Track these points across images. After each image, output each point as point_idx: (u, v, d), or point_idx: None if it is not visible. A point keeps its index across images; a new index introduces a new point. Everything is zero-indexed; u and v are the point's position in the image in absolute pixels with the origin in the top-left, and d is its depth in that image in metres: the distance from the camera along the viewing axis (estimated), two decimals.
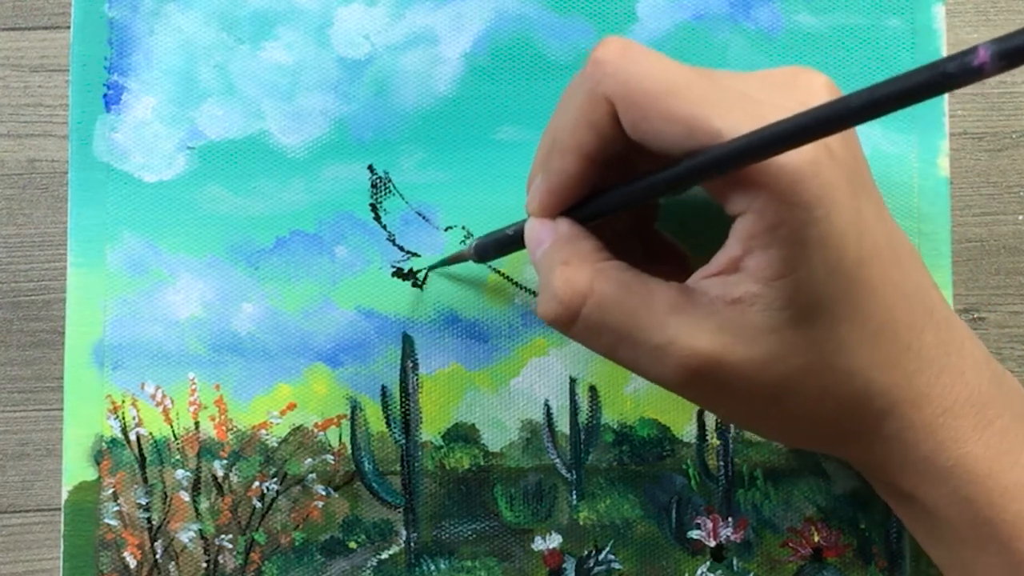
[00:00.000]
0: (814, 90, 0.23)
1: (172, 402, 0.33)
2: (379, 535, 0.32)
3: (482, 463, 0.33)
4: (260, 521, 0.33)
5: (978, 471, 0.24)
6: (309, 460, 0.33)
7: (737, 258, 0.23)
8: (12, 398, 0.33)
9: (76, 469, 0.32)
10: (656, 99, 0.22)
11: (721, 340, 0.23)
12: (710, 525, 0.32)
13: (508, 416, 0.33)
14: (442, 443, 0.33)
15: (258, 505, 0.33)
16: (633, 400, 0.33)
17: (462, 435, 0.33)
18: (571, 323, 0.24)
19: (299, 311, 0.33)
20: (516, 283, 0.33)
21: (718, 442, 0.32)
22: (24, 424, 0.33)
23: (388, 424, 0.33)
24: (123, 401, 0.33)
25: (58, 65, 0.34)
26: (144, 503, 0.32)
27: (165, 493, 0.33)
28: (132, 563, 0.32)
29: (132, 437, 0.33)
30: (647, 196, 0.24)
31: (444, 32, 0.33)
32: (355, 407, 0.33)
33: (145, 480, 0.33)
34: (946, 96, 0.33)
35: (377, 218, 0.33)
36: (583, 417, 0.33)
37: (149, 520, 0.32)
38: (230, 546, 0.32)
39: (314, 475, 0.33)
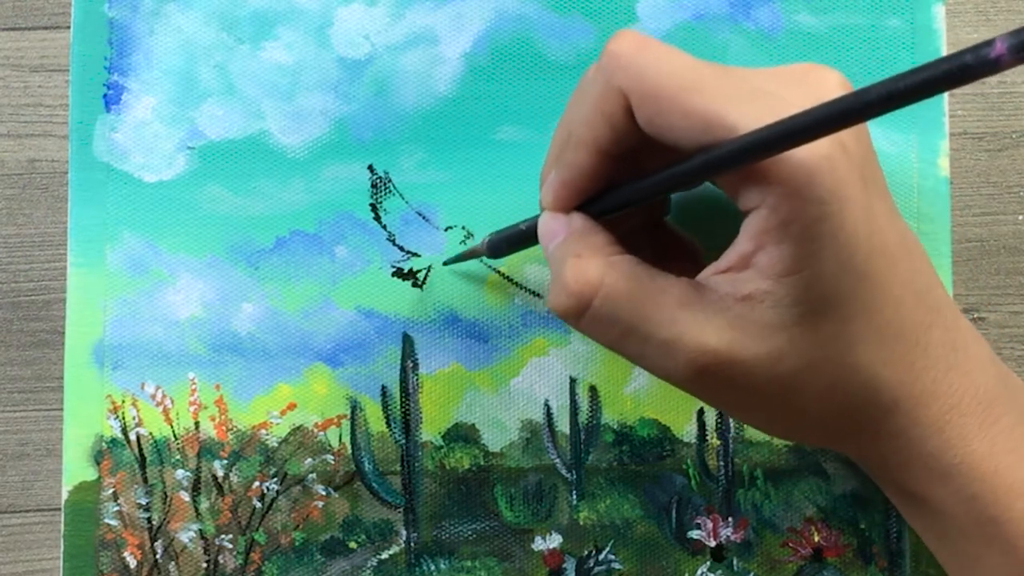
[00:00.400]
0: (828, 86, 0.23)
1: (172, 402, 0.33)
2: (379, 535, 0.32)
3: (482, 463, 0.33)
4: (260, 521, 0.33)
5: (984, 469, 0.24)
6: (309, 460, 0.33)
7: (748, 254, 0.23)
8: (12, 398, 0.33)
9: (76, 469, 0.32)
10: (671, 93, 0.22)
11: (730, 336, 0.23)
12: (710, 525, 0.32)
13: (508, 416, 0.33)
14: (442, 443, 0.33)
15: (258, 505, 0.33)
16: (633, 400, 0.33)
17: (462, 435, 0.33)
18: (581, 315, 0.24)
19: (299, 311, 0.33)
20: (516, 283, 0.33)
21: (718, 442, 0.32)
22: (24, 424, 0.33)
23: (388, 424, 0.33)
24: (123, 401, 0.33)
25: (58, 65, 0.34)
26: (144, 503, 0.32)
27: (165, 493, 0.33)
28: (132, 563, 0.32)
29: (132, 437, 0.33)
30: (662, 191, 0.23)
31: (444, 32, 0.33)
32: (355, 407, 0.33)
33: (145, 480, 0.33)
34: (946, 96, 0.33)
35: (377, 218, 0.33)
36: (583, 417, 0.33)
37: (149, 520, 0.32)
38: (230, 546, 0.32)
39: (314, 475, 0.33)
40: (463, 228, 0.33)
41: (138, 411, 0.33)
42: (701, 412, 0.33)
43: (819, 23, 0.33)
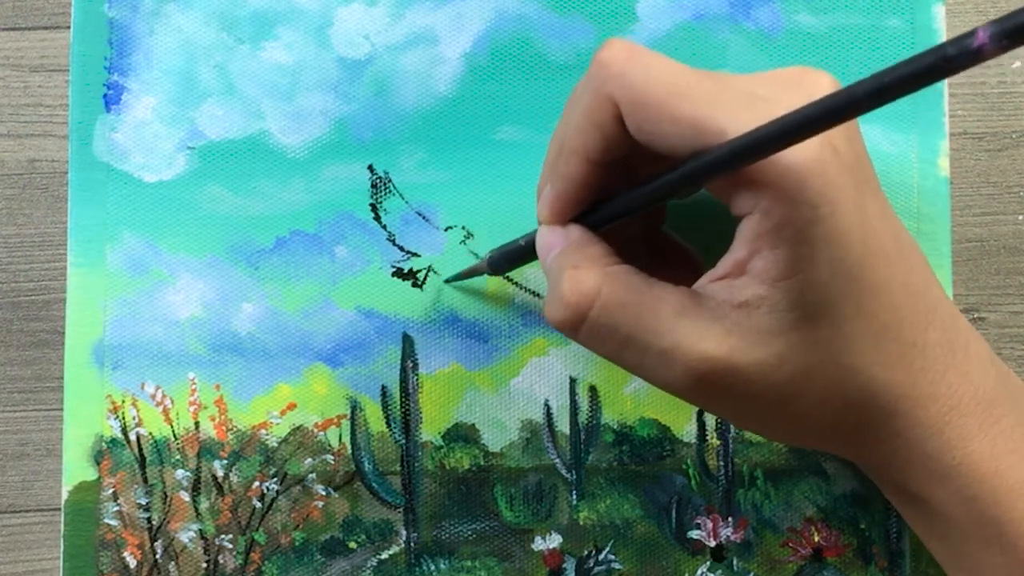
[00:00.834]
0: (821, 89, 0.23)
1: (172, 402, 0.33)
2: (379, 535, 0.32)
3: (482, 463, 0.33)
4: (260, 521, 0.33)
5: (984, 469, 0.24)
6: (309, 460, 0.33)
7: (743, 260, 0.23)
8: (12, 398, 0.33)
9: (76, 469, 0.32)
10: (661, 100, 0.22)
11: (728, 344, 0.23)
12: (710, 525, 0.32)
13: (508, 416, 0.33)
14: (442, 443, 0.33)
15: (258, 505, 0.33)
16: (633, 400, 0.33)
17: (462, 435, 0.33)
18: (578, 327, 0.24)
19: (299, 311, 0.33)
20: (516, 283, 0.33)
21: (718, 442, 0.32)
22: (24, 424, 0.33)
23: (388, 424, 0.33)
24: (123, 401, 0.33)
25: (58, 65, 0.34)
26: (144, 503, 0.33)
27: (165, 493, 0.33)
28: (132, 563, 0.32)
29: (132, 437, 0.33)
30: (656, 199, 0.23)
31: (444, 32, 0.33)
32: (355, 407, 0.33)
33: (145, 480, 0.33)
34: (946, 96, 0.33)
35: (377, 218, 0.33)
36: (583, 417, 0.33)
37: (149, 520, 0.32)
38: (230, 546, 0.32)
39: (314, 475, 0.33)
40: (463, 228, 0.33)
41: (138, 411, 0.33)
42: (701, 412, 0.33)
43: (819, 23, 0.33)
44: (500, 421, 0.33)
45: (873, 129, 0.32)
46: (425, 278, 0.33)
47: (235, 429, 0.33)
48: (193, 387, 0.33)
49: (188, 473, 0.33)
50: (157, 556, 0.32)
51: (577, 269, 0.24)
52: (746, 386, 0.23)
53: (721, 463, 0.32)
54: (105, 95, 0.33)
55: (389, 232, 0.33)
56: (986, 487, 0.24)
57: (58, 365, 0.33)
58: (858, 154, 0.23)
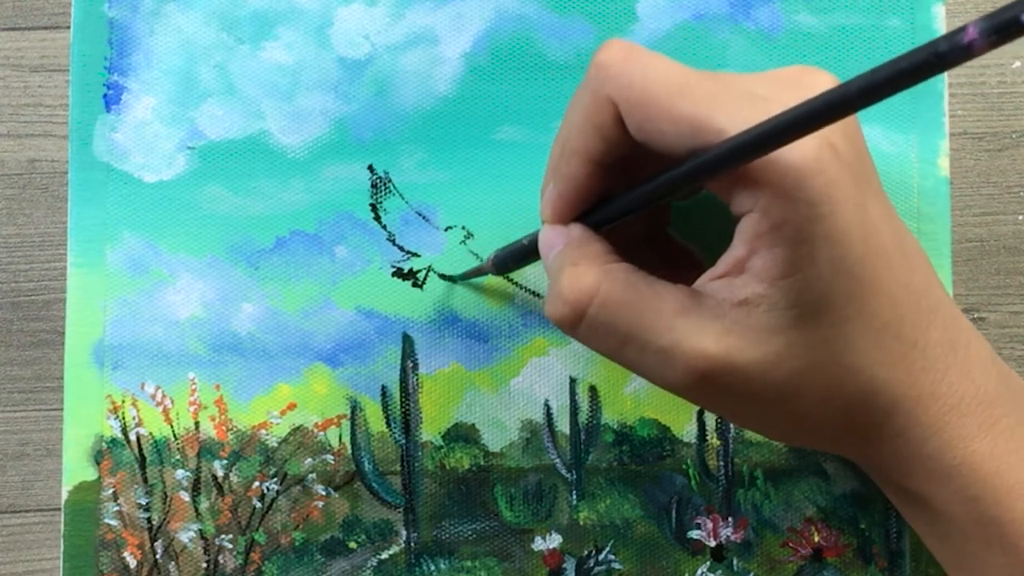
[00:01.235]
0: (820, 88, 0.23)
1: (172, 402, 0.33)
2: (379, 535, 0.32)
3: (482, 463, 0.33)
4: (260, 521, 0.33)
5: (985, 469, 0.24)
6: (309, 460, 0.33)
7: (743, 259, 0.23)
8: (12, 398, 0.33)
9: (76, 469, 0.32)
10: (660, 99, 0.22)
11: (728, 342, 0.23)
12: (710, 525, 0.32)
13: (508, 416, 0.33)
14: (442, 443, 0.33)
15: (258, 505, 0.33)
16: (633, 400, 0.33)
17: (462, 435, 0.33)
18: (577, 324, 0.24)
19: (299, 311, 0.33)
20: (516, 283, 0.33)
21: (718, 442, 0.32)
22: (24, 424, 0.33)
23: (388, 424, 0.33)
24: (123, 401, 0.33)
25: (58, 65, 0.34)
26: (144, 503, 0.33)
27: (165, 493, 0.33)
28: (132, 563, 0.32)
29: (132, 437, 0.33)
30: (656, 198, 0.23)
31: (444, 32, 0.33)
32: (355, 407, 0.33)
33: (145, 480, 0.33)
34: (946, 96, 0.33)
35: (377, 218, 0.33)
36: (583, 417, 0.33)
37: (149, 520, 0.32)
38: (230, 546, 0.32)
39: (314, 475, 0.33)
40: (463, 228, 0.33)
41: (138, 411, 0.33)
42: (701, 412, 0.33)
43: (819, 23, 0.33)
44: (500, 421, 0.33)
45: (873, 129, 0.32)
46: (425, 278, 0.33)
47: (235, 429, 0.33)
48: (193, 387, 0.33)
49: (188, 473, 0.33)
50: (157, 556, 0.32)
51: (577, 266, 0.24)
52: (745, 384, 0.23)
53: (721, 463, 0.32)
54: (105, 95, 0.33)
55: (389, 232, 0.33)
56: (987, 487, 0.24)
57: (58, 365, 0.33)
58: (858, 153, 0.23)
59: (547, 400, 0.33)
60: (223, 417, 0.33)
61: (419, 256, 0.33)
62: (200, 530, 0.32)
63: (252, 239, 0.33)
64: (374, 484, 0.32)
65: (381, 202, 0.33)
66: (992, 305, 0.33)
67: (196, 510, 0.32)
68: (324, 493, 0.33)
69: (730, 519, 0.32)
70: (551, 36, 0.33)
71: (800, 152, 0.21)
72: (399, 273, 0.33)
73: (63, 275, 0.33)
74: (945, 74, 0.33)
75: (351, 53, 0.33)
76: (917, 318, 0.24)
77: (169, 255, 0.33)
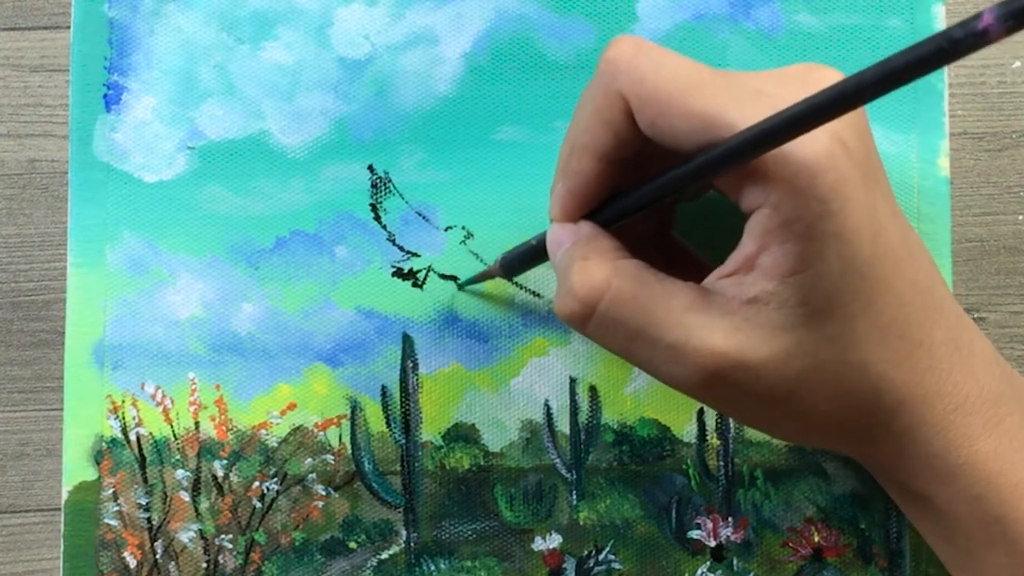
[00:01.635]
0: (828, 84, 0.23)
1: (172, 402, 0.33)
2: (379, 535, 0.32)
3: (482, 463, 0.33)
4: (260, 521, 0.33)
5: (989, 469, 0.24)
6: (309, 460, 0.33)
7: (752, 256, 0.23)
8: (12, 398, 0.33)
9: (76, 469, 0.32)
10: (671, 95, 0.22)
11: (737, 339, 0.23)
12: (710, 525, 0.32)
13: (508, 416, 0.33)
14: (442, 443, 0.33)
15: (258, 505, 0.33)
16: (633, 400, 0.33)
17: (462, 435, 0.33)
18: (587, 319, 0.24)
19: (299, 311, 0.33)
20: (516, 283, 0.33)
21: (718, 442, 0.32)
22: (24, 424, 0.33)
23: (388, 424, 0.33)
24: (123, 401, 0.33)
25: (58, 65, 0.34)
26: (144, 503, 0.33)
27: (165, 493, 0.33)
28: (132, 563, 0.32)
29: (132, 437, 0.33)
30: (666, 193, 0.23)
31: (444, 32, 0.33)
32: (355, 407, 0.33)
33: (145, 480, 0.33)
34: (946, 96, 0.33)
35: (377, 218, 0.33)
36: (583, 417, 0.33)
37: (149, 520, 0.32)
38: (230, 546, 0.32)
39: (314, 475, 0.33)
40: (463, 228, 0.33)
41: (138, 411, 0.33)
42: (701, 412, 0.33)
43: (819, 23, 0.33)
44: (500, 421, 0.33)
45: (873, 129, 0.32)
46: (425, 278, 0.33)
47: (235, 429, 0.33)
48: (193, 387, 0.33)
49: (188, 473, 0.33)
50: (157, 556, 0.32)
51: (587, 261, 0.24)
52: (754, 382, 0.23)
53: (721, 463, 0.32)
54: (105, 95, 0.33)
55: (389, 232, 0.33)
56: (991, 486, 0.24)
57: (58, 365, 0.33)
58: (868, 152, 0.23)
59: (547, 400, 0.33)
60: (223, 417, 0.33)
61: (419, 256, 0.33)
62: (200, 530, 0.32)
63: (252, 239, 0.33)
64: (374, 484, 0.32)
65: (381, 202, 0.33)
66: (992, 305, 0.33)
67: (196, 510, 0.32)
68: (324, 493, 0.33)
69: (730, 519, 0.32)
70: (551, 36, 0.33)
71: (812, 148, 0.21)
72: (399, 273, 0.33)
73: (63, 275, 0.33)
74: (945, 74, 0.33)
75: (351, 53, 0.33)
76: (923, 317, 0.24)
77: (169, 255, 0.33)
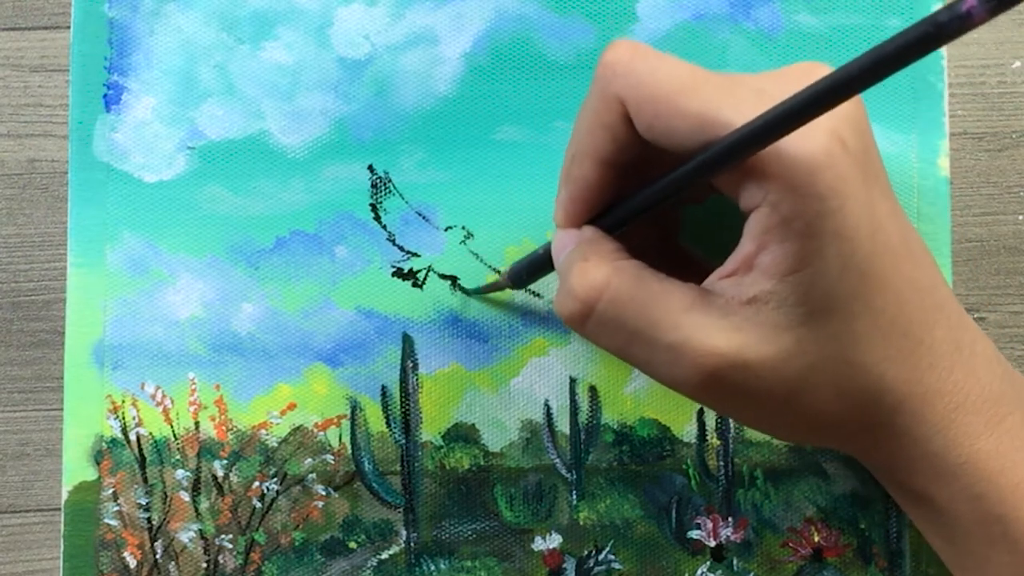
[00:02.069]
0: None
1: (172, 402, 0.33)
2: (379, 535, 0.32)
3: (482, 463, 0.33)
4: (260, 521, 0.33)
5: (989, 468, 0.24)
6: (309, 460, 0.33)
7: (751, 255, 0.23)
8: (12, 398, 0.33)
9: (76, 469, 0.32)
10: (668, 96, 0.22)
11: (737, 340, 0.23)
12: (710, 525, 0.32)
13: (508, 416, 0.33)
14: (442, 443, 0.33)
15: (258, 505, 0.33)
16: (633, 400, 0.33)
17: (462, 435, 0.33)
18: (586, 319, 0.24)
19: (299, 311, 0.33)
20: None
21: (718, 442, 0.32)
22: (24, 424, 0.33)
23: (388, 424, 0.33)
24: (123, 401, 0.33)
25: (58, 65, 0.34)
26: (144, 503, 0.33)
27: (165, 493, 0.33)
28: (132, 563, 0.32)
29: (132, 437, 0.33)
30: (667, 195, 0.23)
31: (444, 32, 0.33)
32: (355, 407, 0.33)
33: (145, 480, 0.33)
34: (946, 96, 0.33)
35: (377, 218, 0.33)
36: (583, 417, 0.33)
37: (149, 520, 0.32)
38: (230, 546, 0.32)
39: (314, 475, 0.33)
40: (463, 228, 0.33)
41: (138, 411, 0.33)
42: (701, 412, 0.33)
43: (819, 23, 0.33)
44: (500, 421, 0.33)
45: (873, 129, 0.32)
46: (425, 278, 0.33)
47: (235, 429, 0.33)
48: (193, 387, 0.33)
49: (188, 473, 0.33)
50: (157, 556, 0.32)
51: (587, 261, 0.24)
52: (754, 382, 0.23)
53: (721, 463, 0.32)
54: (105, 95, 0.33)
55: (389, 232, 0.33)
56: (992, 485, 0.24)
57: (58, 365, 0.33)
58: (867, 150, 0.23)
59: (547, 400, 0.33)
60: (223, 417, 0.33)
61: (419, 256, 0.33)
62: (200, 530, 0.32)
63: (252, 239, 0.33)
64: (374, 484, 0.32)
65: (381, 202, 0.33)
66: (992, 305, 0.33)
67: (196, 510, 0.32)
68: (324, 493, 0.33)
69: (730, 519, 0.32)
70: (551, 36, 0.33)
71: (810, 146, 0.21)
72: (399, 273, 0.33)
73: (63, 275, 0.33)
74: (945, 74, 0.33)
75: (351, 53, 0.33)
76: (923, 316, 0.24)
77: (169, 255, 0.33)
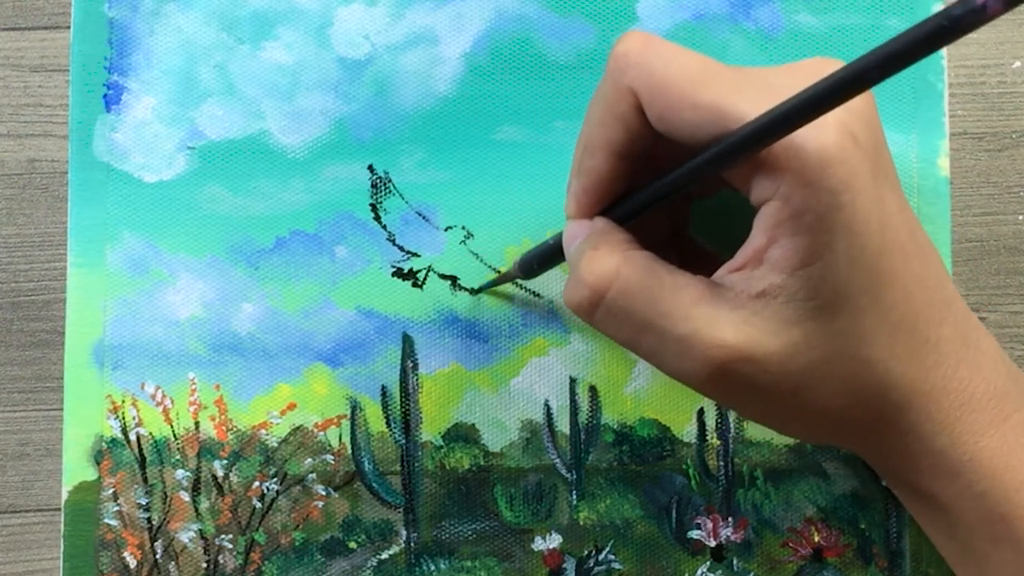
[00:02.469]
0: None
1: (172, 402, 0.33)
2: (379, 535, 0.32)
3: (482, 463, 0.33)
4: (260, 521, 0.33)
5: (994, 465, 0.24)
6: (309, 460, 0.33)
7: (761, 248, 0.23)
8: (12, 398, 0.33)
9: (76, 469, 0.32)
10: (680, 87, 0.22)
11: (746, 333, 0.23)
12: (710, 525, 0.32)
13: (508, 416, 0.33)
14: (442, 443, 0.33)
15: (258, 505, 0.33)
16: (633, 400, 0.33)
17: (462, 435, 0.33)
18: (595, 308, 0.24)
19: (299, 311, 0.33)
20: (517, 283, 0.33)
21: (718, 442, 0.32)
22: (24, 424, 0.33)
23: (388, 424, 0.33)
24: (123, 401, 0.33)
25: (58, 65, 0.34)
26: (144, 503, 0.32)
27: (165, 493, 0.33)
28: (132, 563, 0.32)
29: (132, 437, 0.33)
30: (678, 187, 0.23)
31: (444, 32, 0.33)
32: (355, 407, 0.33)
33: (145, 480, 0.33)
34: (946, 96, 0.33)
35: (377, 218, 0.33)
36: (583, 417, 0.33)
37: (149, 520, 0.32)
38: (230, 546, 0.32)
39: (314, 475, 0.33)
40: (463, 228, 0.33)
41: (138, 411, 0.33)
42: (701, 412, 0.33)
43: (819, 23, 0.33)
44: (500, 421, 0.33)
45: None
46: (425, 278, 0.33)
47: (235, 429, 0.33)
48: (193, 387, 0.33)
49: (188, 473, 0.33)
50: (157, 556, 0.32)
51: (597, 250, 0.24)
52: (762, 376, 0.23)
53: (721, 463, 0.32)
54: (105, 95, 0.33)
55: (389, 232, 0.33)
56: (996, 483, 0.24)
57: (58, 365, 0.33)
58: (877, 146, 0.23)
59: (547, 400, 0.33)
60: (223, 417, 0.33)
61: (419, 256, 0.33)
62: (200, 530, 0.32)
63: (252, 239, 0.33)
64: (374, 484, 0.32)
65: (381, 202, 0.33)
66: (992, 305, 0.33)
67: (196, 510, 0.32)
68: (324, 493, 0.33)
69: (730, 519, 0.32)
70: (551, 36, 0.33)
71: (822, 140, 0.21)
72: (399, 273, 0.33)
73: (63, 275, 0.33)
74: (945, 74, 0.33)
75: (351, 53, 0.33)
76: (930, 313, 0.24)
77: (169, 255, 0.33)
